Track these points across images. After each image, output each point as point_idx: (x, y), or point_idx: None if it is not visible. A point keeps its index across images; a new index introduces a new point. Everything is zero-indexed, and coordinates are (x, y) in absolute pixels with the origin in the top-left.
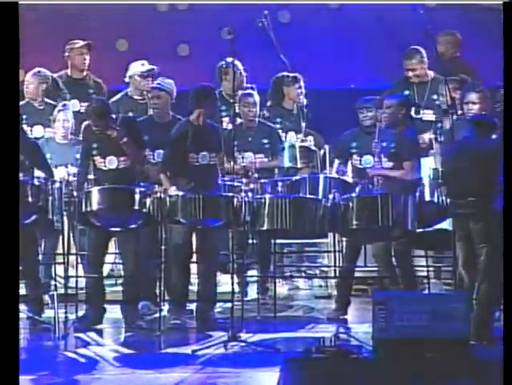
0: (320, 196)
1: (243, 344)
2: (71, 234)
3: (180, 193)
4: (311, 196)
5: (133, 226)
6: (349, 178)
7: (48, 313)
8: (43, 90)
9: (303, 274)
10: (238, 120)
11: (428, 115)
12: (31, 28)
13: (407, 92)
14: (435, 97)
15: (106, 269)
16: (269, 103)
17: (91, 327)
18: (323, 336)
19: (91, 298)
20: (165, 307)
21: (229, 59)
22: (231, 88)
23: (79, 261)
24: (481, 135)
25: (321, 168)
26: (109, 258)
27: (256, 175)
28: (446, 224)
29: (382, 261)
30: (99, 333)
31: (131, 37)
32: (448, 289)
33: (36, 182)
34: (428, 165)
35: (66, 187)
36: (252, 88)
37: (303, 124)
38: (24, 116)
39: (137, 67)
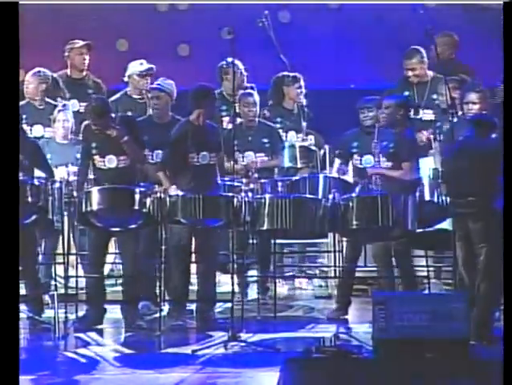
0: (320, 196)
1: (243, 344)
2: (71, 234)
3: (180, 193)
4: (311, 196)
5: (133, 226)
6: (349, 178)
7: (48, 313)
8: (43, 90)
9: (304, 274)
10: (238, 120)
11: (427, 114)
12: (31, 28)
13: (407, 93)
14: (435, 96)
15: (106, 269)
16: (269, 103)
17: (91, 327)
18: (323, 336)
19: (91, 298)
20: (165, 307)
21: (230, 59)
22: (232, 88)
23: (79, 261)
24: (481, 135)
25: (321, 168)
26: (109, 258)
27: (256, 175)
28: (446, 224)
29: (381, 261)
30: (100, 333)
31: (131, 37)
32: (448, 289)
33: (36, 182)
34: (428, 165)
35: (66, 187)
36: (252, 88)
37: (304, 124)
38: (24, 116)
39: (136, 67)
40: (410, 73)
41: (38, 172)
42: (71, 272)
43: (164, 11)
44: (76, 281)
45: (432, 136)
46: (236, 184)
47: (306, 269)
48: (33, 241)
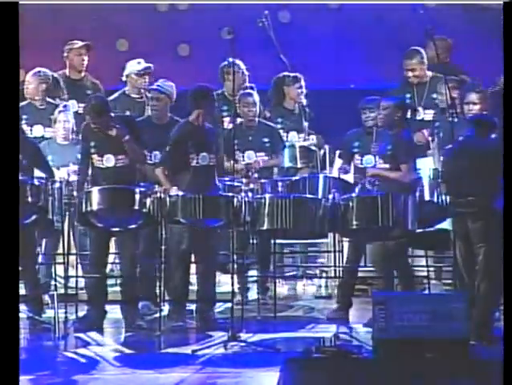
0: (320, 196)
1: (243, 344)
2: (71, 234)
3: (180, 193)
4: (311, 196)
5: (133, 226)
6: (350, 178)
7: (48, 313)
8: (44, 90)
9: (304, 275)
10: (238, 120)
11: (427, 114)
12: (31, 28)
13: (409, 95)
14: (434, 96)
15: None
16: (270, 104)
17: (91, 328)
18: (323, 336)
19: (93, 299)
20: (165, 307)
21: (232, 59)
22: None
23: (79, 261)
24: (481, 135)
25: (321, 168)
26: (109, 258)
27: (256, 175)
28: (446, 224)
29: (379, 266)
30: (100, 333)
31: (131, 37)
32: (448, 289)
33: (36, 182)
34: (428, 165)
35: (66, 187)
36: (251, 88)
37: (305, 124)
38: (25, 116)
39: (134, 66)
40: (410, 73)
41: (38, 172)
42: (71, 272)
43: (164, 11)
44: (76, 281)
45: (430, 138)
46: (236, 184)
47: (307, 269)
48: (33, 241)
